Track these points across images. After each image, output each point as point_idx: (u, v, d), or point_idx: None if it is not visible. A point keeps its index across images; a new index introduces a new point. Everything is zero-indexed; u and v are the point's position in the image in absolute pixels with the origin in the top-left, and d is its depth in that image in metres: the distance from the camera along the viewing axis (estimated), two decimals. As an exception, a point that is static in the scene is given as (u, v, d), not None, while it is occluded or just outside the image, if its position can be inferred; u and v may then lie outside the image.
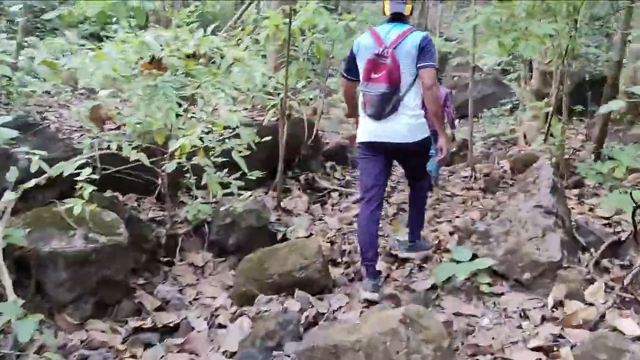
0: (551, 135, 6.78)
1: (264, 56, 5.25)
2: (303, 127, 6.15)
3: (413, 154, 3.46)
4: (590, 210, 4.81)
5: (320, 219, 5.14)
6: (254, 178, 4.44)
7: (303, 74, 6.24)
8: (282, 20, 5.48)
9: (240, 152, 3.37)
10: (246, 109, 6.50)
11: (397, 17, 3.35)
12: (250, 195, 4.08)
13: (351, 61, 3.46)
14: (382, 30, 3.33)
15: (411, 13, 3.42)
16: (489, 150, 8.28)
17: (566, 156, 6.45)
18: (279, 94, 5.54)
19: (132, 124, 3.12)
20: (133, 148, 3.10)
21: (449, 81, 15.03)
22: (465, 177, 6.93)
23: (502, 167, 7.20)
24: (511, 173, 6.54)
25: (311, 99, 8.35)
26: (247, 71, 3.08)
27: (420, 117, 3.33)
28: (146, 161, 3.14)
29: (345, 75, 3.56)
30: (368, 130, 3.36)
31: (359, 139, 3.47)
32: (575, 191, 5.66)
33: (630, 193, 3.08)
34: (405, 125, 3.26)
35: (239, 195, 4.37)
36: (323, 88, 7.18)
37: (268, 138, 4.66)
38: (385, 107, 3.21)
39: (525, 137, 8.76)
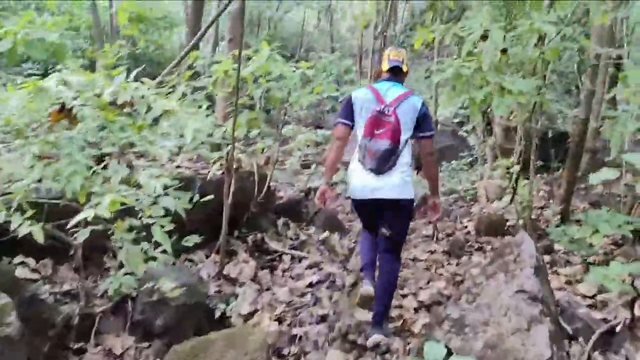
0: (515, 192, 6.41)
1: (209, 106, 4.73)
2: (253, 181, 5.59)
3: (401, 211, 3.44)
4: (568, 283, 4.37)
5: (268, 289, 4.52)
6: (189, 245, 3.85)
7: (255, 124, 5.72)
8: (233, 65, 4.99)
9: (163, 226, 2.76)
10: (190, 160, 5.92)
11: (395, 73, 3.48)
12: (175, 287, 3.44)
13: (349, 110, 3.46)
14: (381, 87, 3.41)
15: (406, 73, 3.56)
16: (451, 207, 7.88)
17: (532, 216, 6.08)
18: (228, 144, 5.00)
19: (22, 190, 2.49)
20: (28, 217, 2.46)
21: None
22: (427, 236, 6.46)
23: (465, 227, 6.77)
24: (476, 235, 6.11)
25: (264, 149, 7.85)
26: (180, 125, 2.52)
27: (410, 175, 3.40)
28: (40, 237, 2.51)
29: (342, 121, 3.47)
30: (363, 184, 3.38)
31: (354, 195, 3.49)
32: (547, 258, 5.24)
33: (632, 282, 2.63)
34: (400, 181, 3.32)
35: (173, 264, 3.75)
36: (277, 136, 6.69)
37: (210, 197, 4.12)
38: (387, 162, 3.29)
39: (486, 193, 8.44)
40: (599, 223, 4.58)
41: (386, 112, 3.29)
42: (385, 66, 3.49)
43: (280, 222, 6.39)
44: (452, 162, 9.99)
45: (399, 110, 3.29)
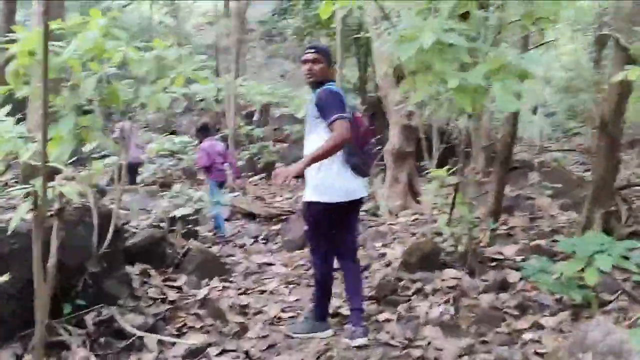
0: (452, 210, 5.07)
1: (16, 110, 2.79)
2: (90, 224, 3.63)
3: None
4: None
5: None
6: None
7: (90, 134, 3.73)
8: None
9: None
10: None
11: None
12: None
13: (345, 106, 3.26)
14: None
15: None
16: (353, 227, 6.43)
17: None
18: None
19: None
20: None
21: (278, 135, 13.32)
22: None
23: (382, 254, 5.35)
24: (405, 269, 4.68)
25: (108, 166, 5.81)
26: None
27: None
28: None
29: (348, 117, 3.22)
30: (353, 187, 3.41)
31: (344, 197, 3.37)
32: (506, 298, 3.98)
33: None
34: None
35: None
36: (124, 147, 4.72)
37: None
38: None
39: (389, 206, 7.15)
40: (595, 257, 3.37)
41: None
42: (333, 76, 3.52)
43: (134, 271, 4.48)
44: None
45: None
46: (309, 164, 3.11)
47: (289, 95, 13.22)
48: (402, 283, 4.34)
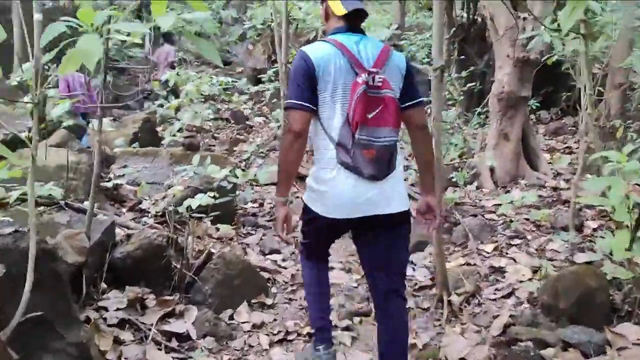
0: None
1: None
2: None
3: (405, 228, 2.27)
4: None
5: None
6: None
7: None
8: None
9: None
10: None
11: (358, 21, 2.21)
12: None
13: (310, 83, 2.09)
14: (349, 42, 2.14)
15: None
16: (449, 212, 4.48)
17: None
18: None
19: None
20: None
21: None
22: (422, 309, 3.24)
23: (497, 271, 3.50)
24: (547, 315, 2.82)
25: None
26: None
27: None
28: None
29: (302, 104, 2.08)
30: (353, 196, 2.12)
31: (333, 214, 2.17)
32: None
33: None
34: (400, 186, 2.23)
35: None
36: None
37: None
38: (390, 162, 2.14)
39: (492, 173, 5.18)
40: None
41: (375, 82, 2.06)
42: (339, 10, 2.15)
43: (119, 303, 2.95)
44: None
45: (388, 77, 2.11)
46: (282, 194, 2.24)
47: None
48: (548, 353, 2.51)
